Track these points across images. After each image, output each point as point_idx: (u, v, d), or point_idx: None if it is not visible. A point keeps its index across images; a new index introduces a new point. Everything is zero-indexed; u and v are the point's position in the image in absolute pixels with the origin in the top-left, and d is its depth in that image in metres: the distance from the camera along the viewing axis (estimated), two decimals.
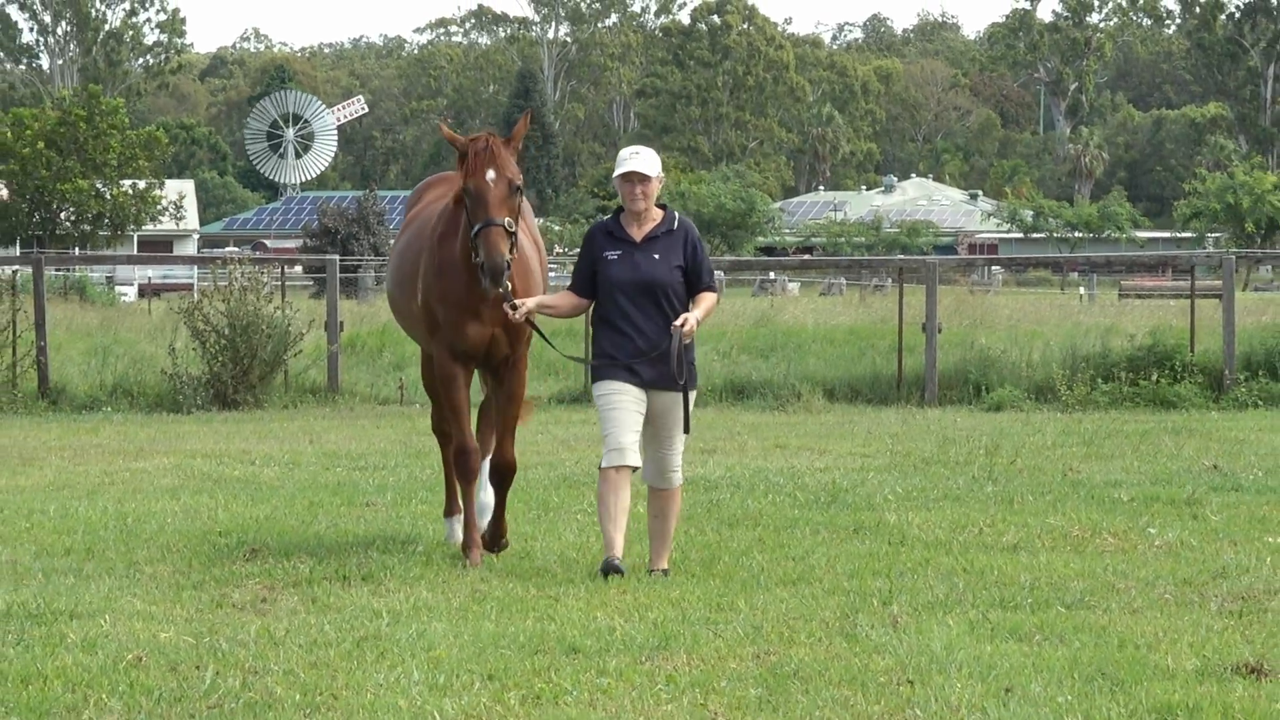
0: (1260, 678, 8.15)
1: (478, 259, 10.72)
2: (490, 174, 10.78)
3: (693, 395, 10.71)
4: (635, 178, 10.59)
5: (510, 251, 10.71)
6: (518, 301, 10.72)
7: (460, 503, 11.70)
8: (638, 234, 10.67)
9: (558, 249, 72.19)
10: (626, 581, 10.46)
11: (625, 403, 10.56)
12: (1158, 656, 8.59)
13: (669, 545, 10.89)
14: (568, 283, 11.33)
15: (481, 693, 8.01)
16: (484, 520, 11.67)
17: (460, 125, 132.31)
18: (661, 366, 10.52)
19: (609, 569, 10.54)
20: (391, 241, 10.47)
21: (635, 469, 10.67)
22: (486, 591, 10.39)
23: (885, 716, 7.61)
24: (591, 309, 10.89)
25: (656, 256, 10.61)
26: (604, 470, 10.64)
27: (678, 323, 10.48)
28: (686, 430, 10.70)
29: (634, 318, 10.59)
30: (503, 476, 11.55)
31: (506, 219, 10.72)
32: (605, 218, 10.95)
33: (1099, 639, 9.01)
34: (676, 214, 10.82)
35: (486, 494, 11.71)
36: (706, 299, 10.70)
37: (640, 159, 10.62)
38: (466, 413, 11.48)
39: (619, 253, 10.64)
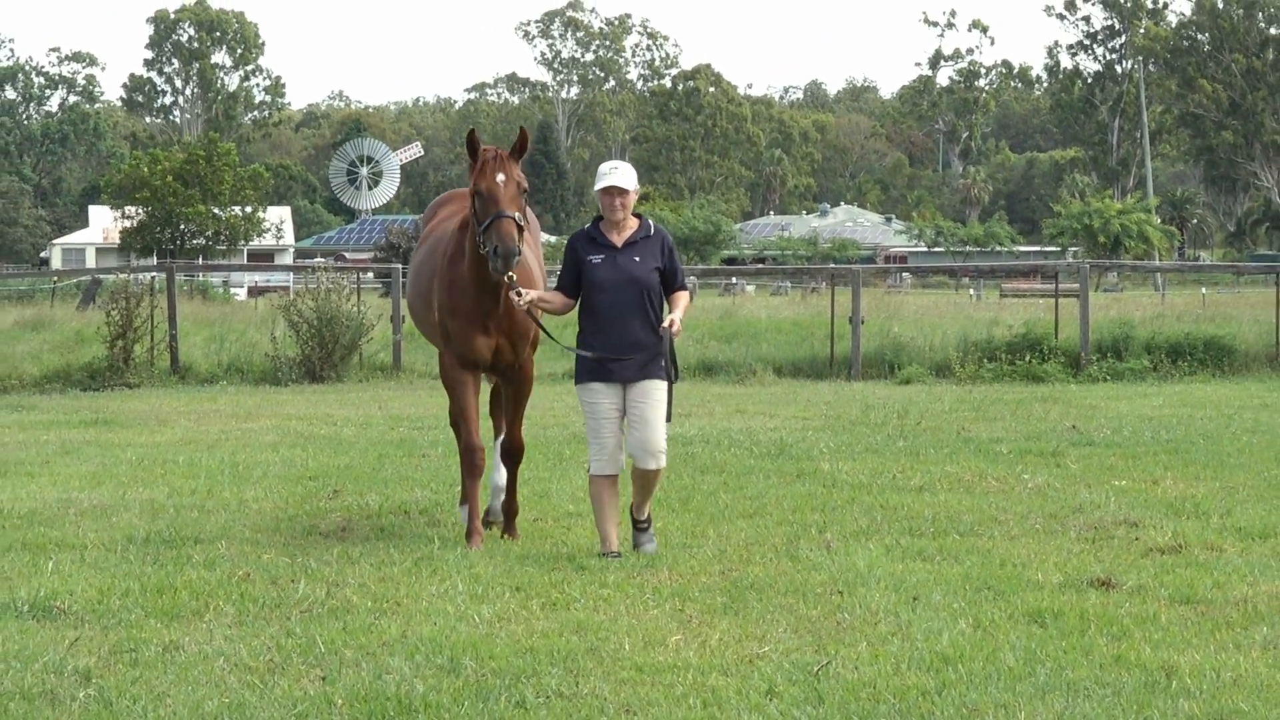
0: (1109, 589, 8.16)
1: (488, 248, 9.21)
2: (500, 177, 9.34)
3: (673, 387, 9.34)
4: (615, 191, 9.25)
5: (520, 240, 9.26)
6: (522, 290, 9.31)
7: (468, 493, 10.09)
8: (618, 240, 9.28)
9: None
10: (622, 515, 9.88)
11: (604, 409, 9.22)
12: (1030, 573, 8.60)
13: (649, 500, 9.49)
14: None
15: (510, 600, 8.00)
16: (498, 500, 10.29)
17: None
18: (641, 360, 9.19)
19: (607, 557, 9.16)
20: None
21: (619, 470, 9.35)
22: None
23: (821, 619, 7.60)
24: (578, 308, 9.47)
25: (637, 259, 9.23)
26: (592, 476, 9.30)
27: (665, 324, 9.16)
28: (668, 419, 9.26)
29: (618, 314, 9.18)
30: (513, 457, 10.15)
31: (516, 213, 9.27)
32: (585, 226, 9.49)
33: (985, 559, 9.01)
34: (651, 222, 9.45)
35: (500, 474, 10.27)
36: (683, 298, 9.35)
37: (619, 174, 9.30)
38: (474, 416, 9.83)
39: (603, 257, 9.25)
